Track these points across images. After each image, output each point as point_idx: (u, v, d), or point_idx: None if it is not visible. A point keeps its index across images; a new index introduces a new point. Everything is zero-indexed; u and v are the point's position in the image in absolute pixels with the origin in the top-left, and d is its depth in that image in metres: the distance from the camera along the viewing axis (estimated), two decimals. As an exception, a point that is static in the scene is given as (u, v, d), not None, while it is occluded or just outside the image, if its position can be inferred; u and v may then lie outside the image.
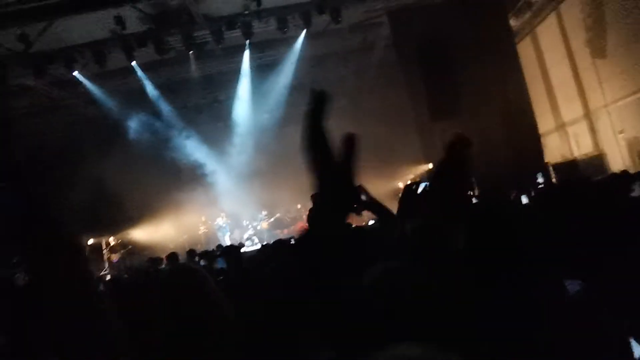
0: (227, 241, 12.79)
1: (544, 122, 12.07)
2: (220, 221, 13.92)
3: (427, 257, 1.18)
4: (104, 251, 13.17)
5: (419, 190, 1.61)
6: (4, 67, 9.76)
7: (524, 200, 5.51)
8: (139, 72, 11.45)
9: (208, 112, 14.14)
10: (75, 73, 10.64)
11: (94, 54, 9.94)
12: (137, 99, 12.83)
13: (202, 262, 5.78)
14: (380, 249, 1.59)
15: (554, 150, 12.30)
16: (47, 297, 0.70)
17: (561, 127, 12.25)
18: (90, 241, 13.22)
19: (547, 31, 11.89)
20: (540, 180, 9.32)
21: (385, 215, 1.62)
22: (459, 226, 1.21)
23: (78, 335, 0.69)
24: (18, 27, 8.61)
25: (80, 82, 11.23)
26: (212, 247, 11.41)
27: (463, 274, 1.13)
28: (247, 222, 14.04)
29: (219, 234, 13.72)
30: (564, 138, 12.20)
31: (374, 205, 1.64)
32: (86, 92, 11.73)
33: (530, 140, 10.22)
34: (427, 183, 1.63)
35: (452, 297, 0.97)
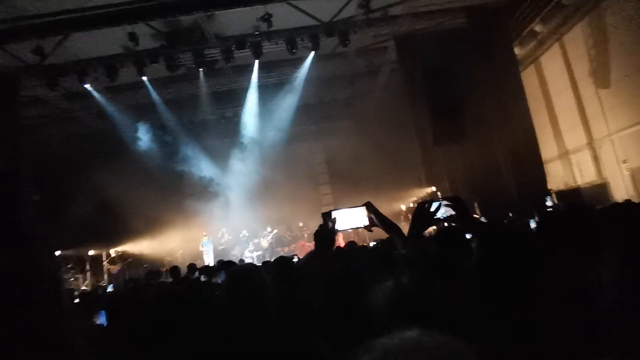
0: (219, 258, 12.73)
1: (547, 149, 12.13)
2: (222, 237, 13.89)
3: (439, 272, 1.21)
4: (104, 263, 13.13)
5: (432, 208, 1.66)
6: (18, 79, 9.98)
7: (532, 224, 5.51)
8: (149, 87, 11.66)
9: (214, 128, 14.31)
10: (87, 86, 10.85)
11: (106, 68, 10.15)
12: (145, 113, 13.03)
13: (202, 277, 5.76)
14: (391, 264, 1.63)
15: (557, 177, 12.32)
16: (11, 316, 0.69)
17: (564, 155, 12.30)
18: (91, 252, 13.21)
19: (551, 60, 12.08)
20: (549, 203, 9.31)
21: (395, 232, 1.67)
22: (472, 244, 1.24)
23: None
24: (35, 39, 8.84)
25: (91, 95, 11.44)
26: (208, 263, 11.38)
27: (475, 290, 1.15)
28: (248, 238, 14.00)
29: (218, 250, 13.66)
30: (567, 166, 12.24)
31: (384, 222, 1.69)
32: (95, 104, 11.94)
33: (533, 167, 10.25)
34: (440, 202, 1.67)
35: (463, 312, 0.99)
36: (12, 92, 9.90)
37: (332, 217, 1.67)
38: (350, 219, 1.71)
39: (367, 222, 1.72)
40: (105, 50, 10.06)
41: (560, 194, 10.81)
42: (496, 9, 10.65)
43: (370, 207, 1.71)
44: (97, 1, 8.47)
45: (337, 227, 1.66)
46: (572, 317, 1.12)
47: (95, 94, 11.45)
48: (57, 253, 11.87)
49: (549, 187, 10.60)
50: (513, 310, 1.09)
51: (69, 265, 12.36)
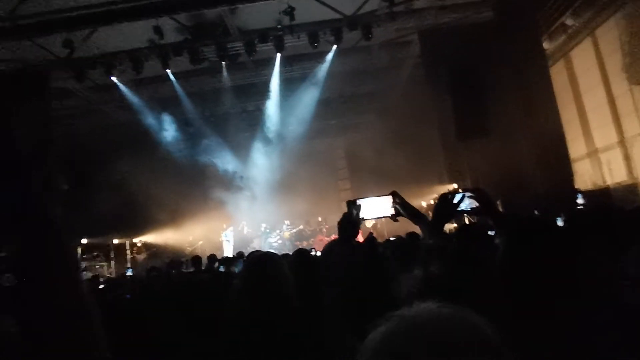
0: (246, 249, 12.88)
1: (575, 147, 11.74)
2: (242, 229, 14.07)
3: (466, 263, 1.18)
4: (128, 251, 13.48)
5: (455, 200, 1.61)
6: (49, 71, 10.29)
7: (559, 223, 5.35)
8: (173, 80, 11.85)
9: (236, 121, 14.45)
10: (113, 78, 11.10)
11: (132, 61, 10.36)
12: (168, 105, 13.26)
13: (221, 268, 5.85)
14: (416, 254, 1.60)
15: (585, 177, 11.92)
16: (31, 302, 0.69)
17: (593, 153, 11.88)
18: (115, 241, 13.59)
19: (582, 55, 11.65)
20: (580, 201, 9.04)
21: (422, 221, 1.63)
22: (499, 236, 1.20)
23: (60, 343, 0.68)
24: (65, 33, 9.09)
25: (117, 88, 11.71)
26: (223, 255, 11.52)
27: (502, 283, 1.12)
28: (268, 232, 14.12)
29: (238, 242, 13.83)
30: (596, 165, 11.82)
31: (410, 211, 1.65)
32: (121, 97, 12.21)
33: (560, 165, 9.95)
34: (464, 193, 1.62)
35: (490, 303, 0.96)
36: (43, 84, 10.22)
37: (357, 204, 1.63)
38: (375, 208, 1.67)
39: (392, 212, 1.67)
40: (131, 43, 10.25)
41: (588, 193, 10.46)
42: (524, 2, 10.33)
43: (396, 196, 1.67)
44: (123, -5, 8.63)
45: (361, 215, 1.62)
46: (597, 314, 1.07)
47: (121, 86, 11.71)
48: (84, 241, 12.28)
49: (576, 187, 10.28)
50: (537, 304, 1.05)
51: (94, 253, 12.76)
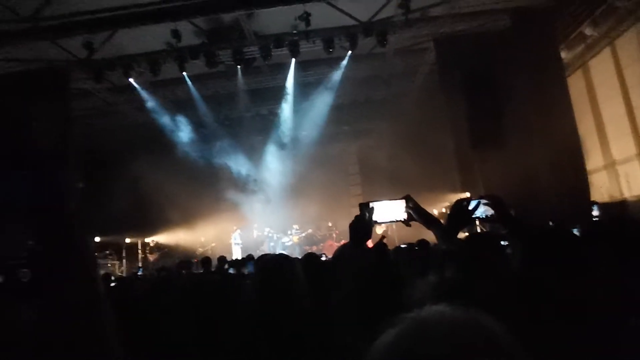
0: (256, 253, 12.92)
1: (591, 159, 11.54)
2: (253, 232, 14.13)
3: (478, 270, 1.17)
4: (139, 250, 13.63)
5: (470, 206, 1.59)
6: (69, 72, 10.53)
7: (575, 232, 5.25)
8: (189, 83, 12.01)
9: (249, 125, 14.56)
10: (131, 80, 11.30)
11: (150, 64, 10.54)
12: (183, 107, 13.43)
13: (231, 270, 5.87)
14: (429, 260, 1.58)
15: (601, 189, 11.69)
16: (48, 297, 0.71)
17: (610, 165, 11.65)
18: (128, 240, 13.76)
19: (601, 65, 11.48)
20: (596, 213, 8.88)
21: (436, 226, 1.61)
22: (516, 244, 1.19)
23: (76, 334, 0.69)
24: (86, 34, 9.30)
25: (134, 89, 11.91)
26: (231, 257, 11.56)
27: (518, 292, 1.11)
28: (278, 235, 14.14)
29: (248, 245, 13.88)
30: (613, 177, 11.59)
31: (423, 216, 1.63)
32: (138, 98, 12.42)
33: (576, 176, 9.79)
34: (479, 200, 1.60)
35: (505, 311, 0.95)
36: (63, 85, 10.45)
37: (370, 207, 1.61)
38: (388, 212, 1.64)
39: (405, 216, 1.63)
40: (149, 46, 10.44)
41: (605, 206, 10.26)
42: (542, 11, 10.23)
43: (409, 201, 1.65)
44: (143, -1, 8.81)
45: (374, 218, 1.60)
46: (615, 324, 1.06)
47: (138, 87, 11.91)
48: (97, 239, 12.47)
49: (591, 199, 10.08)
50: (553, 315, 1.04)
51: (107, 252, 12.93)
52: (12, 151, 8.28)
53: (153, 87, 12.39)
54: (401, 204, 1.65)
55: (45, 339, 0.71)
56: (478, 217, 1.62)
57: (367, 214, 1.59)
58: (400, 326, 0.60)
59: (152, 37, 9.98)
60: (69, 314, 0.72)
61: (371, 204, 1.62)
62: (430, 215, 1.65)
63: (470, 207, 1.59)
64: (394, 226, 13.46)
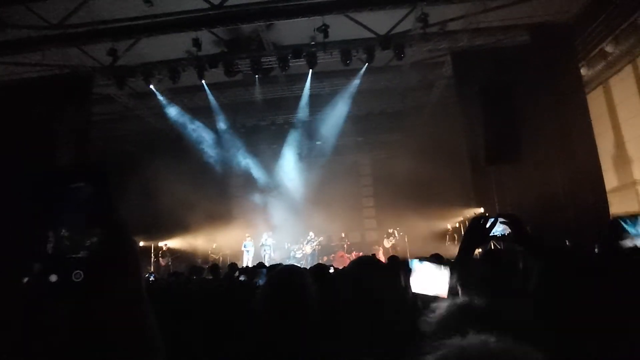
0: (266, 260, 12.94)
1: (610, 178, 11.29)
2: (265, 239, 14.14)
3: (496, 290, 1.15)
4: (152, 254, 13.77)
5: (487, 224, 1.56)
6: (92, 77, 10.83)
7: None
8: (207, 91, 12.22)
9: (265, 133, 14.69)
10: (151, 86, 11.55)
11: (170, 71, 10.76)
12: (201, 114, 13.65)
13: (242, 277, 5.88)
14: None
15: (620, 209, 11.41)
16: (96, 299, 0.73)
17: (630, 185, 11.39)
18: (141, 244, 13.92)
19: (622, 83, 11.28)
20: None
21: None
22: (534, 263, 1.17)
23: (119, 342, 0.71)
24: (110, 42, 9.58)
25: (154, 95, 12.17)
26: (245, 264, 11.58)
27: (535, 313, 1.09)
28: (289, 244, 14.13)
29: (261, 252, 13.91)
30: (633, 198, 11.31)
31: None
32: (157, 104, 12.67)
33: (594, 195, 9.56)
34: (496, 218, 1.57)
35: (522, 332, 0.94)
36: (86, 90, 10.74)
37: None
38: (431, 280, 1.45)
39: (445, 294, 1.43)
40: (169, 54, 10.68)
41: (624, 226, 9.99)
42: (562, 27, 10.15)
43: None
44: (166, 9, 9.03)
45: (411, 287, 1.45)
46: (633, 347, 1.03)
47: (157, 94, 12.16)
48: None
49: (610, 218, 9.84)
50: (573, 337, 1.02)
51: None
52: (41, 156, 8.52)
53: (172, 94, 12.64)
54: (445, 275, 1.48)
55: (93, 338, 0.73)
56: (495, 236, 1.59)
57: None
58: (439, 353, 0.60)
59: (173, 45, 10.22)
60: (118, 315, 0.74)
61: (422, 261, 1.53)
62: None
63: (487, 225, 1.56)
64: (405, 239, 13.32)
